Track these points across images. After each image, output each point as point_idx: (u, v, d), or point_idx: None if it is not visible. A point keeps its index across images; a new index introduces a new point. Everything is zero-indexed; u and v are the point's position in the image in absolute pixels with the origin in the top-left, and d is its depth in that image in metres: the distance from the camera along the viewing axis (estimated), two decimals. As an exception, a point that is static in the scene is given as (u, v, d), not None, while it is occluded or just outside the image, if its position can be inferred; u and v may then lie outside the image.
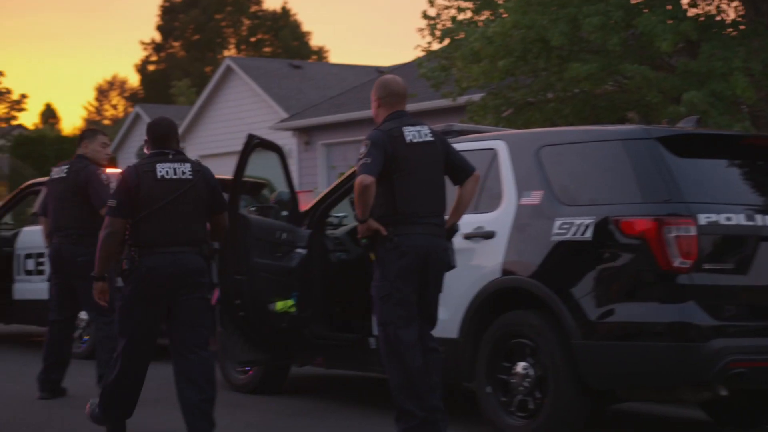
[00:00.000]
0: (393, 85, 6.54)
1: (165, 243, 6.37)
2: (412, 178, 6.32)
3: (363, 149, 6.31)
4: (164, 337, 6.63)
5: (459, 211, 6.56)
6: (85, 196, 8.30)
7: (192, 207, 6.47)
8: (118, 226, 6.41)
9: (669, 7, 13.20)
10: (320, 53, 63.96)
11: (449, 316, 7.09)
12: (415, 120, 6.49)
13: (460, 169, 6.55)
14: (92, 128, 8.95)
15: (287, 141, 27.40)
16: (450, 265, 6.51)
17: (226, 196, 7.09)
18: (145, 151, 6.65)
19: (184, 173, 6.47)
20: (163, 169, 6.44)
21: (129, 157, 36.68)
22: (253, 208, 8.49)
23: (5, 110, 49.99)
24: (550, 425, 6.50)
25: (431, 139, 6.44)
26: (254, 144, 7.89)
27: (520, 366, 6.70)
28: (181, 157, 6.57)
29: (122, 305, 6.46)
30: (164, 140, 6.61)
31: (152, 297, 6.39)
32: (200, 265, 6.47)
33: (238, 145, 8.23)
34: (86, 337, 10.86)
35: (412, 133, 6.37)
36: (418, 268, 6.33)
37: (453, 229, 6.56)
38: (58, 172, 8.64)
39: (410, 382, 6.26)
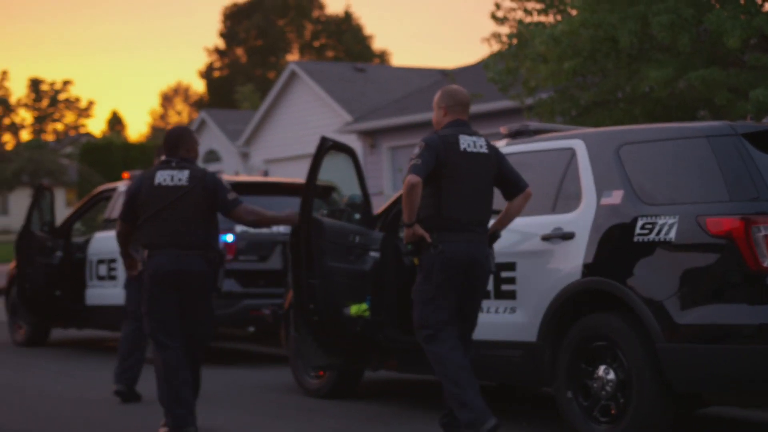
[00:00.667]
0: (459, 95, 6.73)
1: (166, 245, 6.86)
2: (459, 185, 6.49)
3: (416, 150, 6.47)
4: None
5: (503, 222, 6.78)
6: None
7: (191, 212, 6.89)
8: (121, 228, 7.10)
9: (742, 2, 12.92)
10: (383, 56, 63.95)
11: (528, 319, 6.95)
12: (473, 131, 6.66)
13: (512, 185, 6.72)
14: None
15: (352, 144, 27.39)
16: (490, 271, 6.65)
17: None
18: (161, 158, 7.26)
19: (180, 180, 6.90)
20: (162, 177, 6.91)
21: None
22: (325, 212, 8.41)
23: (73, 118, 50.54)
24: (633, 431, 6.33)
25: (485, 151, 6.61)
26: (328, 146, 7.81)
27: (602, 369, 6.54)
28: (183, 164, 6.97)
29: (145, 297, 6.98)
30: (172, 149, 7.05)
31: (161, 290, 6.89)
32: (201, 269, 6.91)
33: (303, 149, 8.29)
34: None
35: (468, 143, 6.55)
36: (461, 274, 6.49)
37: (495, 235, 6.76)
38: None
39: (457, 382, 6.43)
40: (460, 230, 6.46)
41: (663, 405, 6.32)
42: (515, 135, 7.72)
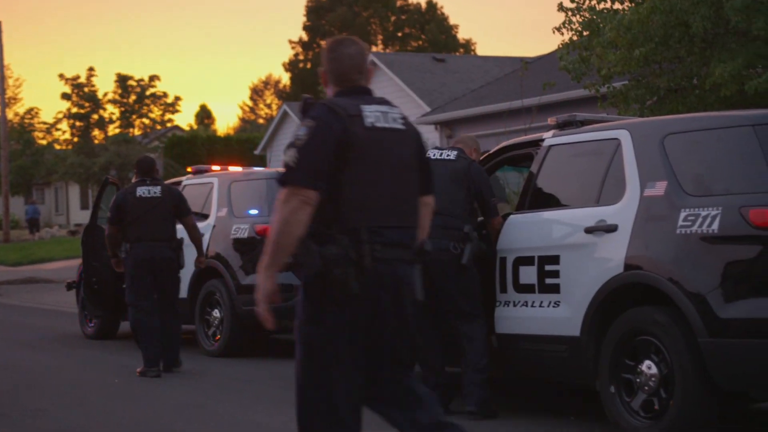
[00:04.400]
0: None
1: (145, 239, 9.63)
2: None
3: None
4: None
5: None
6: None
7: (161, 215, 9.73)
8: (110, 230, 9.91)
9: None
10: (467, 46, 63.64)
11: (571, 314, 6.83)
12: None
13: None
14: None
15: (430, 135, 27.27)
16: None
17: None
18: (134, 179, 9.99)
19: (155, 193, 9.74)
20: (141, 191, 9.73)
21: (278, 154, 37.19)
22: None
23: (160, 113, 51.27)
24: (676, 426, 6.17)
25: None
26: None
27: (645, 364, 6.39)
28: (155, 182, 9.82)
29: (127, 278, 9.83)
30: (146, 172, 9.89)
31: (140, 272, 9.71)
32: (169, 254, 9.76)
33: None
34: (218, 337, 10.96)
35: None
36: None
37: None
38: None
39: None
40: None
41: (707, 401, 6.16)
42: (563, 126, 7.59)
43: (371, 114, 4.21)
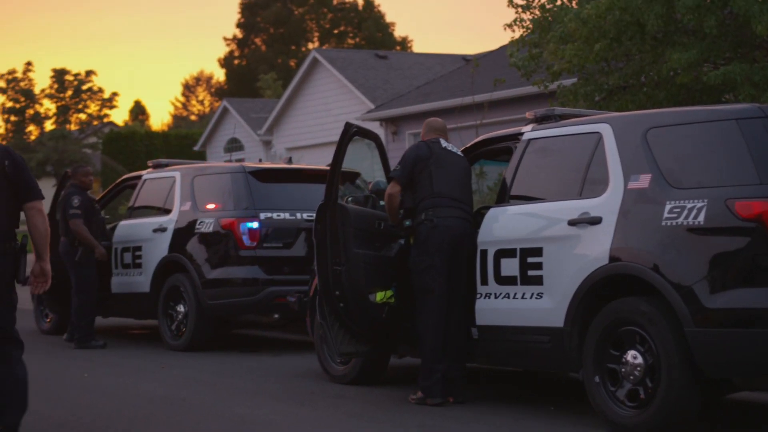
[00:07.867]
0: (433, 123, 8.06)
1: None
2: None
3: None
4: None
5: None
6: None
7: None
8: (80, 224, 11.40)
9: (769, -15, 12.74)
10: (404, 44, 63.74)
11: (555, 305, 6.91)
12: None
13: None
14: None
15: (375, 131, 27.29)
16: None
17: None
18: None
19: None
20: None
21: (218, 150, 36.96)
22: (350, 198, 8.38)
23: (97, 108, 50.64)
24: (662, 415, 6.28)
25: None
26: (352, 132, 7.78)
27: (630, 354, 6.49)
28: None
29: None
30: None
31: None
32: None
33: (326, 137, 8.38)
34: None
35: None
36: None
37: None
38: None
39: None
40: (449, 206, 7.58)
41: (692, 390, 6.27)
42: (541, 120, 7.67)
43: None
